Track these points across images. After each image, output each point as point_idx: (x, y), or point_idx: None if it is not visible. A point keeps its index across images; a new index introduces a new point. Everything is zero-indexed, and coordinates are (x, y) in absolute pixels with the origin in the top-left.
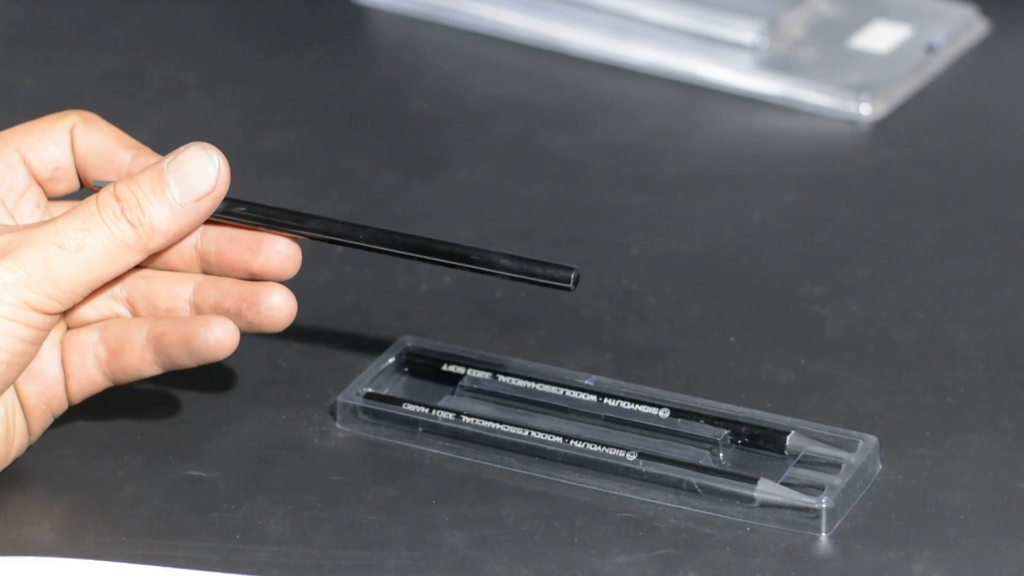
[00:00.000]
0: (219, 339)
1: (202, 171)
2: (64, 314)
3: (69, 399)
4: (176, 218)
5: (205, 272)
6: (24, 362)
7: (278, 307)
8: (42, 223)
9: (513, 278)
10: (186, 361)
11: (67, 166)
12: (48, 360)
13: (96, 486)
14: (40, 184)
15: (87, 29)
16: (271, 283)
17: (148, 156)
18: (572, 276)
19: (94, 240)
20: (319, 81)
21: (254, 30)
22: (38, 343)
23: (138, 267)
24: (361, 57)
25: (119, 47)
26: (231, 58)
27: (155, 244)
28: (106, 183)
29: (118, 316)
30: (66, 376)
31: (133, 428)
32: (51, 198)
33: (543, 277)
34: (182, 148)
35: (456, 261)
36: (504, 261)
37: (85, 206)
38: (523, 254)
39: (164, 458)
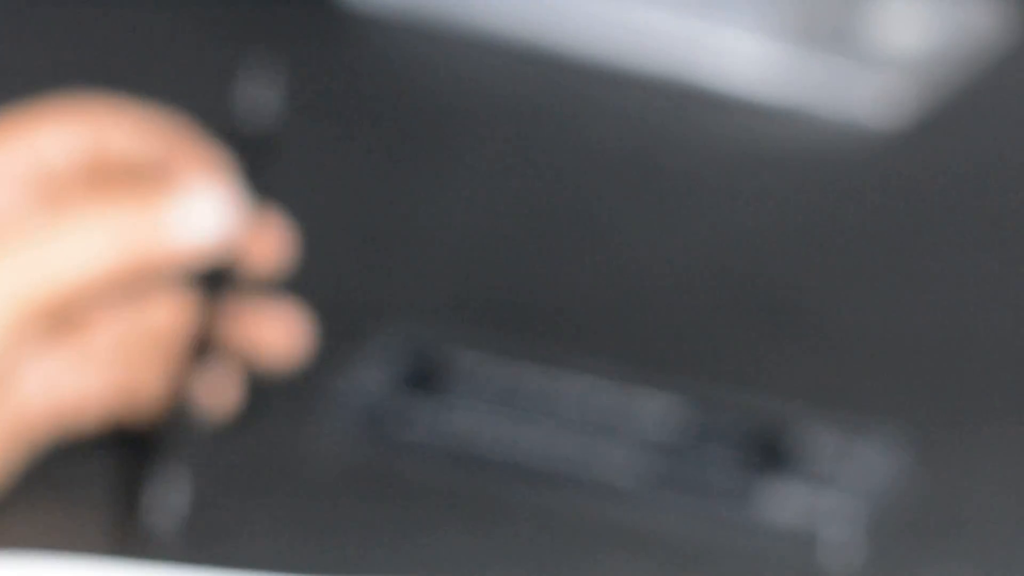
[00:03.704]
0: None
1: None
2: None
3: None
4: None
5: None
6: None
7: None
8: None
9: None
10: None
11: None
12: None
13: (96, 486)
14: (45, 183)
15: (87, 29)
16: None
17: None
18: None
19: None
20: (317, 82)
21: (252, 31)
22: None
23: None
24: (358, 59)
25: (119, 47)
26: (230, 58)
27: None
28: None
29: None
30: None
31: (133, 428)
32: (56, 200)
33: None
34: None
35: None
36: None
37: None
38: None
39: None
